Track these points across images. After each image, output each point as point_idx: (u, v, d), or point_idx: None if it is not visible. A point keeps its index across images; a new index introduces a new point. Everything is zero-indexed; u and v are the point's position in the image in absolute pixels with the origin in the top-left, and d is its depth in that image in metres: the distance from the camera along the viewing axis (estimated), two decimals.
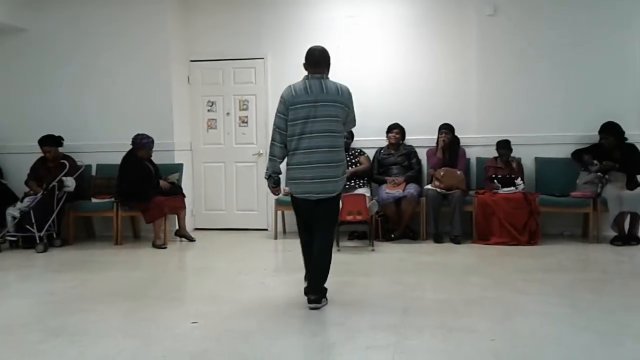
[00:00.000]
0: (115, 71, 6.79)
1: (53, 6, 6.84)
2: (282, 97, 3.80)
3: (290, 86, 3.82)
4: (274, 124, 3.82)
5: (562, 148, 6.30)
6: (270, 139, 3.88)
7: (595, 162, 5.86)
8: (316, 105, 3.70)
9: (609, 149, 5.91)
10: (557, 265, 4.94)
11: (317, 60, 3.81)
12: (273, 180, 3.88)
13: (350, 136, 6.38)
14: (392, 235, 6.10)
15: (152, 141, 6.23)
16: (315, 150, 3.69)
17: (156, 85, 6.70)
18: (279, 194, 4.05)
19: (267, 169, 3.88)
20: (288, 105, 3.74)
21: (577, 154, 6.11)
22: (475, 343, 3.02)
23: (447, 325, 3.31)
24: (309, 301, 3.70)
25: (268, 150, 3.92)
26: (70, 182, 6.13)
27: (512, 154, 6.21)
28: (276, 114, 3.82)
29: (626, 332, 3.19)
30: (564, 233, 6.31)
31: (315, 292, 3.72)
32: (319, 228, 3.79)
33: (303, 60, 3.85)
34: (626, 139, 5.99)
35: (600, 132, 6.00)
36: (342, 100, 3.76)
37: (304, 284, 3.91)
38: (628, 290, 4.20)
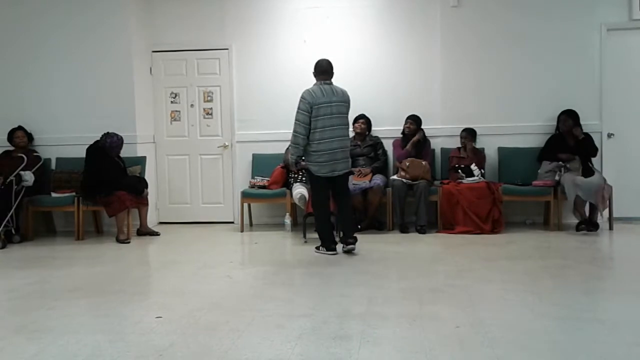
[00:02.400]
0: (75, 63, 6.61)
1: None
2: (304, 98, 4.82)
3: (308, 90, 4.87)
4: (298, 120, 4.81)
5: (524, 138, 6.43)
6: (294, 132, 4.85)
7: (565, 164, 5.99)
8: (331, 105, 4.84)
9: (567, 132, 6.05)
10: (519, 253, 5.03)
11: (326, 69, 4.96)
12: (299, 162, 4.96)
13: None
14: (359, 226, 6.10)
15: (121, 141, 6.10)
16: (334, 139, 4.86)
17: (117, 76, 6.55)
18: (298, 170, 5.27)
19: (292, 155, 4.94)
20: (312, 104, 4.79)
21: (544, 155, 6.18)
22: (440, 330, 3.05)
23: (412, 314, 3.34)
24: (349, 245, 4.95)
25: (293, 140, 4.90)
26: (28, 176, 5.99)
27: (477, 144, 6.29)
28: (300, 112, 4.82)
29: (585, 317, 3.27)
30: (527, 221, 6.44)
31: (352, 238, 4.97)
32: (342, 196, 5.10)
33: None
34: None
35: (559, 115, 6.15)
36: (346, 99, 4.99)
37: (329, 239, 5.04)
38: (587, 276, 4.30)
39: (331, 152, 4.88)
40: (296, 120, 4.84)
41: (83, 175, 6.07)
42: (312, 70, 5.04)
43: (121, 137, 6.11)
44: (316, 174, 4.93)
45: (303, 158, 4.98)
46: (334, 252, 4.99)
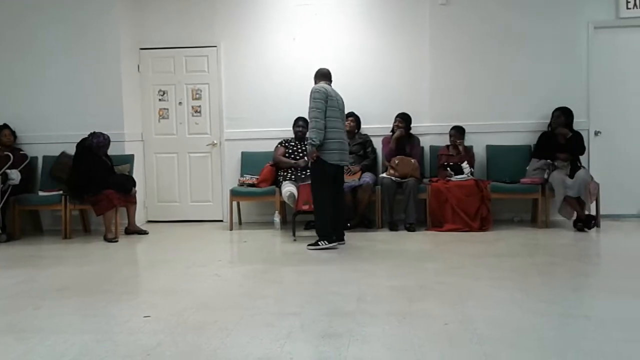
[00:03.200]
0: (63, 61, 6.54)
1: None
2: (318, 90, 5.08)
3: (321, 85, 5.15)
4: (318, 108, 5.02)
5: (512, 136, 6.47)
6: (314, 117, 5.01)
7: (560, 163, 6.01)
8: (337, 100, 5.20)
9: (557, 128, 6.08)
10: (507, 250, 5.06)
11: (327, 73, 5.30)
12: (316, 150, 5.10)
13: (306, 125, 6.36)
14: (348, 224, 6.10)
15: (108, 140, 6.06)
16: (342, 131, 5.23)
17: (104, 74, 6.50)
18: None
19: (315, 139, 4.99)
20: (327, 96, 5.08)
21: (539, 153, 6.17)
22: (429, 327, 3.06)
23: (401, 311, 3.34)
24: (341, 239, 5.30)
25: (315, 125, 5.00)
26: (14, 175, 5.94)
27: (465, 142, 6.31)
28: (318, 100, 5.03)
29: (573, 313, 3.30)
30: (514, 219, 6.48)
31: (343, 234, 5.37)
32: (339, 192, 5.32)
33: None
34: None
35: (553, 112, 6.17)
36: (343, 100, 5.35)
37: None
38: (575, 273, 4.33)
39: (341, 141, 5.17)
40: (314, 107, 5.03)
41: (71, 173, 6.02)
42: (313, 75, 5.29)
43: (108, 137, 6.06)
44: (329, 161, 5.09)
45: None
46: (334, 242, 5.17)
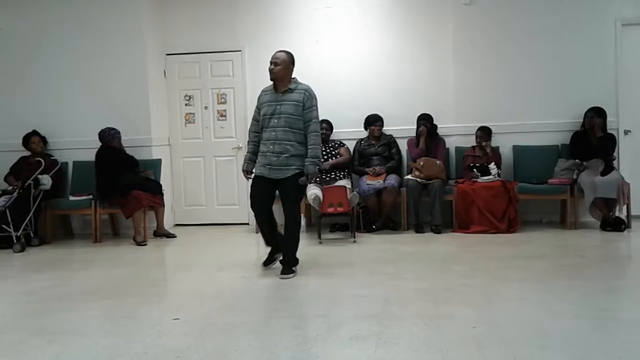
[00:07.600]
0: (91, 67, 6.67)
1: (21, 1, 6.70)
2: (316, 97, 4.42)
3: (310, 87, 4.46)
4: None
5: (539, 136, 6.38)
6: (317, 131, 4.39)
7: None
8: None
9: (591, 129, 5.97)
10: (535, 252, 4.99)
11: None
12: None
13: (330, 127, 6.39)
14: (374, 227, 6.11)
15: (119, 131, 6.22)
16: None
17: (132, 79, 6.61)
18: None
19: (320, 159, 4.48)
20: None
21: (575, 154, 6.07)
22: (457, 330, 3.04)
23: (428, 314, 3.33)
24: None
25: (319, 142, 4.39)
26: (46, 180, 6.05)
27: (492, 142, 6.25)
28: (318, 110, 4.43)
29: (603, 316, 3.25)
30: (543, 220, 6.39)
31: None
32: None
33: None
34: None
35: (586, 112, 6.06)
36: None
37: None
38: (604, 275, 4.26)
39: None
40: (317, 119, 4.42)
41: (97, 177, 6.13)
42: (289, 60, 4.57)
43: (116, 129, 6.23)
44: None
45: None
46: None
